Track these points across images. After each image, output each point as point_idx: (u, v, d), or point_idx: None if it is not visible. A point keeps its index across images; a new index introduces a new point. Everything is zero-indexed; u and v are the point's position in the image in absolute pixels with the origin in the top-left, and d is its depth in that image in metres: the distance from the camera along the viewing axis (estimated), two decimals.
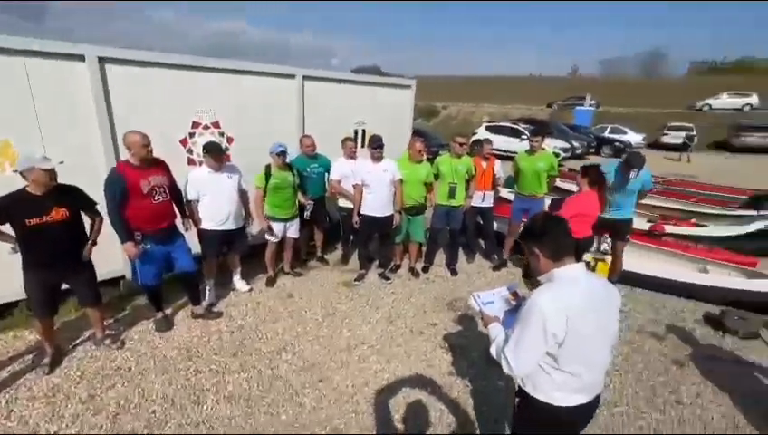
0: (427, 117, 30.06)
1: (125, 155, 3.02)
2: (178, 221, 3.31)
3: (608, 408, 2.63)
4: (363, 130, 5.58)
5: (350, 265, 4.79)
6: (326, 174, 4.60)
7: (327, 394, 2.69)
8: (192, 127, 3.96)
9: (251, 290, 4.04)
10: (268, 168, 3.85)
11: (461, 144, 4.30)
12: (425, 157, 4.30)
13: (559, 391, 1.42)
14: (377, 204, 4.03)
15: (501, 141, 14.67)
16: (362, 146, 5.28)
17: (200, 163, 3.75)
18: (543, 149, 4.79)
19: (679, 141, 18.59)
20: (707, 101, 26.94)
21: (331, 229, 5.12)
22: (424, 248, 4.77)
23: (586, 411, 1.50)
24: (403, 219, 4.28)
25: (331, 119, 5.10)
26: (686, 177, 10.86)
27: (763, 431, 2.47)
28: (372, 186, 3.98)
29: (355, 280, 4.35)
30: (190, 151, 3.97)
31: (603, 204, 3.76)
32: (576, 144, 16.13)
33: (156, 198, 2.95)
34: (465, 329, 3.48)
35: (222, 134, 4.15)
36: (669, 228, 5.46)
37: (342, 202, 4.60)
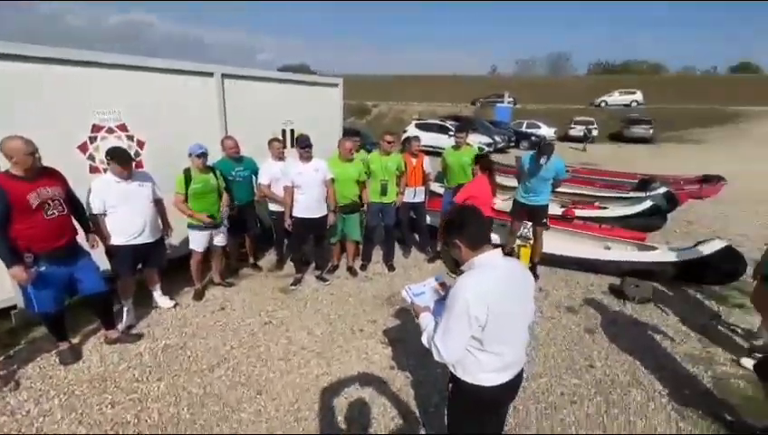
0: (359, 115, 30.18)
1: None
2: (82, 238, 2.93)
3: (534, 380, 2.87)
4: (291, 130, 5.42)
5: (285, 269, 4.64)
6: (253, 177, 4.39)
7: (266, 406, 2.58)
8: (92, 130, 3.52)
9: (176, 306, 3.72)
10: (188, 171, 3.57)
11: (389, 142, 4.39)
12: (354, 156, 4.31)
13: (485, 372, 1.52)
14: (309, 205, 3.95)
15: (430, 138, 15.26)
16: (291, 146, 5.14)
17: (105, 171, 3.36)
18: (468, 144, 5.08)
19: (581, 134, 21.01)
20: (603, 98, 30.66)
21: (263, 234, 4.91)
22: (361, 247, 4.79)
23: (511, 388, 1.61)
24: (338, 219, 4.25)
25: (256, 119, 4.87)
26: (589, 165, 12.22)
27: (653, 375, 2.87)
28: (303, 187, 3.89)
29: (291, 285, 4.22)
30: (92, 158, 3.52)
31: (495, 189, 4.23)
32: (498, 139, 17.34)
33: (49, 213, 2.57)
34: (403, 323, 3.56)
35: (131, 138, 3.75)
36: (578, 212, 6.10)
37: (273, 206, 4.43)
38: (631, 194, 7.16)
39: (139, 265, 3.42)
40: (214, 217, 3.70)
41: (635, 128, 21.90)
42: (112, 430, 2.35)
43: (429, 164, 4.98)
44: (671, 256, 4.40)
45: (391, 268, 4.75)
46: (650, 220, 5.94)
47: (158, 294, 3.70)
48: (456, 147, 4.87)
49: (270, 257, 4.94)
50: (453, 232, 1.55)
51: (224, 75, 4.42)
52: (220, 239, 3.90)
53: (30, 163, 2.45)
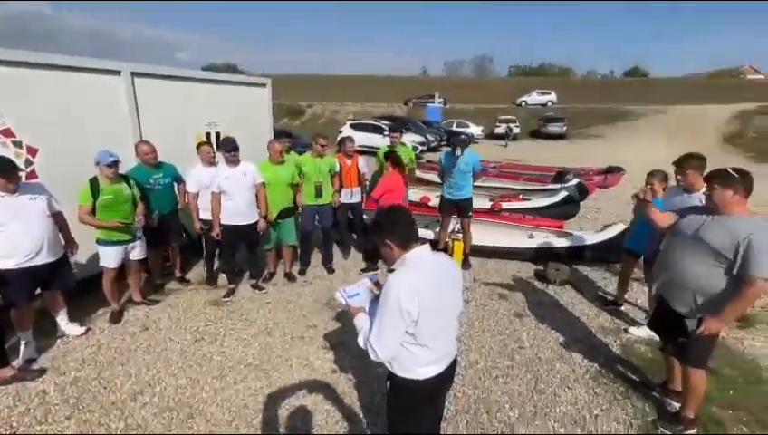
0: (292, 117, 29.39)
1: None
2: None
3: (471, 366, 3.02)
4: (217, 133, 5.11)
5: (217, 281, 4.36)
6: (174, 184, 4.07)
7: (201, 429, 2.40)
8: None
9: (88, 331, 3.32)
10: (95, 181, 3.19)
11: (322, 145, 4.33)
12: (285, 157, 4.18)
13: (420, 366, 1.55)
14: (238, 211, 3.75)
15: (365, 138, 15.37)
16: (217, 149, 4.85)
17: None
18: (403, 143, 5.19)
19: (503, 131, 22.68)
20: (524, 98, 33.24)
21: (191, 245, 4.57)
22: (298, 251, 4.66)
23: (446, 378, 1.67)
24: (272, 224, 4.09)
25: (176, 122, 4.52)
26: (514, 161, 13.17)
27: (572, 350, 3.18)
28: (231, 192, 3.69)
29: (224, 297, 3.98)
30: None
31: (406, 182, 4.53)
32: (431, 138, 17.97)
33: None
34: (344, 325, 3.53)
35: (18, 144, 3.26)
36: (505, 205, 6.54)
37: (204, 214, 4.11)
38: (549, 186, 7.85)
39: (38, 290, 2.99)
40: (128, 226, 3.34)
41: (551, 125, 24.06)
42: None
43: (365, 164, 5.01)
44: (584, 241, 4.90)
45: (331, 271, 4.70)
46: (566, 209, 6.56)
47: (64, 321, 3.26)
48: (392, 146, 4.96)
49: (199, 270, 4.61)
50: (383, 233, 1.57)
51: (134, 74, 4.03)
52: (137, 253, 3.55)
53: None
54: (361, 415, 2.52)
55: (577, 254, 4.86)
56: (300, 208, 4.44)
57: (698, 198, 2.86)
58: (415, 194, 6.61)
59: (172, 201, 4.06)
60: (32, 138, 3.33)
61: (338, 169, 4.59)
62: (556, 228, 5.44)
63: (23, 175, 3.01)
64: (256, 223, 3.92)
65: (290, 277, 4.45)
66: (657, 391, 2.72)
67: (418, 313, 1.44)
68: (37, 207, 2.79)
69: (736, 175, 2.04)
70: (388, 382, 1.67)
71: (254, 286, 4.18)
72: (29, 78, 3.29)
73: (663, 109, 29.04)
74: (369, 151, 10.34)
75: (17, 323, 2.91)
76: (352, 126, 17.28)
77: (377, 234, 1.60)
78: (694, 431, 2.38)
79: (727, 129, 23.47)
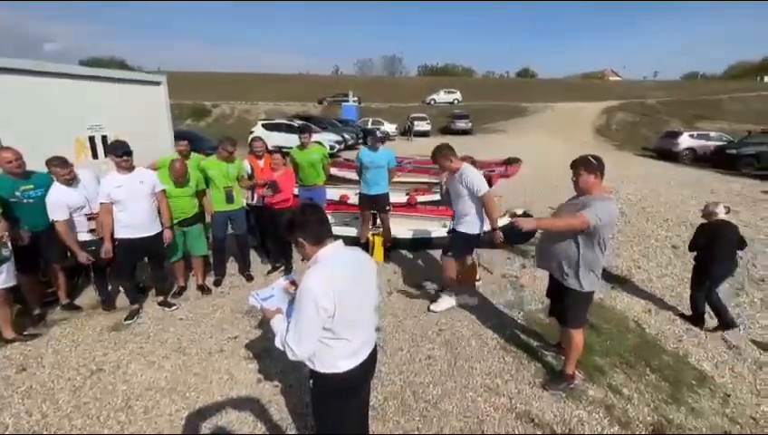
0: (196, 117, 27.08)
1: None
2: None
3: (396, 353, 3.15)
4: (103, 136, 4.53)
5: (117, 303, 3.87)
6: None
7: None
8: None
9: None
10: None
11: (230, 152, 4.11)
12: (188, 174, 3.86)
13: (339, 359, 1.59)
14: (136, 222, 3.37)
15: (280, 138, 14.87)
16: (105, 155, 4.31)
17: None
18: (319, 143, 5.14)
19: (418, 128, 23.86)
20: (433, 97, 35.13)
21: (77, 265, 3.98)
22: (211, 260, 4.36)
23: (367, 367, 1.71)
24: (176, 235, 3.75)
25: (50, 124, 3.90)
26: (426, 156, 13.86)
27: (484, 325, 3.51)
28: (126, 201, 3.29)
29: (126, 320, 3.55)
30: None
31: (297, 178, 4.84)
32: (347, 136, 18.00)
33: None
34: (267, 332, 3.40)
35: None
36: (419, 198, 6.88)
37: (80, 236, 3.54)
38: None
39: None
40: None
41: (458, 122, 25.83)
42: None
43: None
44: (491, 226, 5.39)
45: (249, 278, 4.48)
46: None
47: None
48: (302, 146, 4.88)
49: (92, 293, 4.04)
50: (296, 231, 1.57)
51: None
52: (3, 280, 2.98)
53: None
54: (290, 420, 2.48)
55: (485, 238, 5.32)
56: (209, 216, 4.16)
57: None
58: (334, 193, 6.61)
59: (46, 217, 3.49)
60: None
61: (249, 171, 4.39)
62: None
63: None
64: (159, 234, 3.56)
65: (203, 289, 4.14)
66: (553, 351, 3.14)
67: (334, 307, 1.47)
68: None
69: (596, 162, 2.45)
70: (311, 381, 1.67)
71: (163, 304, 3.81)
72: None
73: (550, 105, 33.03)
74: (285, 152, 10.03)
75: None
76: (265, 126, 16.55)
77: (290, 232, 1.58)
78: (573, 384, 2.79)
79: (598, 122, 27.68)
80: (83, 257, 3.41)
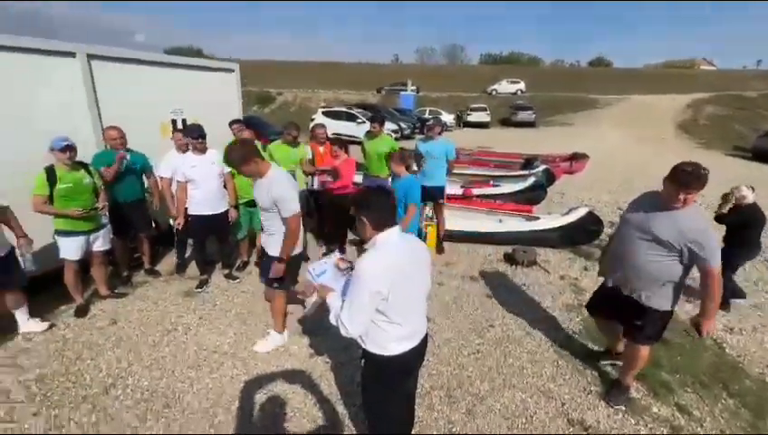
0: (262, 104, 28.55)
1: None
2: None
3: (445, 344, 3.14)
4: (183, 120, 4.94)
5: (188, 272, 4.27)
6: (143, 173, 3.92)
7: (177, 418, 2.39)
8: None
9: (51, 327, 3.18)
10: (51, 170, 3.03)
11: (294, 136, 4.29)
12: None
13: (392, 342, 1.64)
14: (207, 200, 3.66)
15: (338, 126, 15.21)
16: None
17: None
18: (389, 134, 5.16)
19: (478, 120, 23.22)
20: (494, 87, 33.73)
21: (160, 236, 4.44)
22: None
23: (416, 353, 1.74)
24: (243, 213, 4.03)
25: (139, 108, 4.33)
26: (484, 148, 13.43)
27: (539, 327, 3.37)
28: (198, 181, 3.59)
29: (196, 288, 3.91)
30: None
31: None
32: (404, 126, 17.97)
33: None
34: (321, 310, 3.56)
35: None
36: (476, 191, 6.71)
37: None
38: (518, 172, 8.09)
39: None
40: (90, 214, 3.20)
41: (520, 114, 24.63)
42: None
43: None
44: (551, 224, 5.13)
45: (305, 259, 4.68)
46: (534, 194, 6.81)
47: (23, 319, 3.11)
48: (371, 136, 4.91)
49: (170, 261, 4.49)
50: (362, 210, 1.63)
51: (90, 56, 3.82)
52: (101, 244, 3.41)
53: None
54: (339, 396, 2.58)
55: (544, 236, 5.08)
56: None
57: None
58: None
59: (139, 190, 3.92)
60: None
61: (310, 156, 4.56)
62: (525, 212, 5.66)
63: None
64: (226, 212, 3.85)
65: None
66: (610, 361, 2.93)
67: (388, 292, 1.52)
68: None
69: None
70: (363, 360, 1.74)
71: (228, 276, 4.13)
72: None
73: (626, 98, 30.25)
74: (347, 140, 10.28)
75: None
76: (325, 113, 17.02)
77: (356, 209, 1.64)
78: (631, 395, 2.61)
79: (681, 117, 24.85)
80: (173, 211, 3.83)
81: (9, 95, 3.30)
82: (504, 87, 33.52)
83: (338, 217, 4.69)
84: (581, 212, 4.98)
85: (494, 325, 3.45)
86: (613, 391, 2.63)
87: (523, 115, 24.51)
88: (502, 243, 5.15)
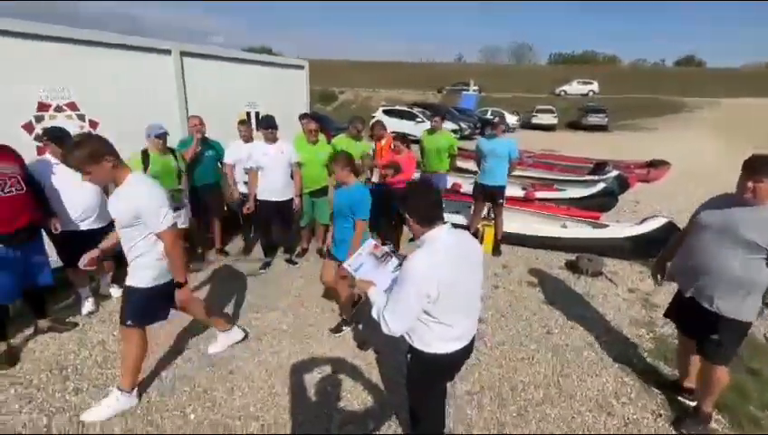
0: (324, 102, 29.65)
1: None
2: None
3: (497, 347, 3.05)
4: (256, 113, 5.31)
5: (253, 254, 4.59)
6: (218, 160, 4.28)
7: (239, 384, 2.59)
8: (38, 109, 3.29)
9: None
10: (145, 152, 3.42)
11: (359, 130, 4.43)
12: (319, 138, 4.27)
13: (439, 341, 1.62)
14: (274, 187, 3.90)
15: (398, 125, 15.34)
16: (256, 129, 5.04)
17: (47, 150, 3.13)
18: (451, 131, 5.13)
19: (543, 122, 22.15)
20: (563, 88, 31.88)
21: (231, 218, 4.82)
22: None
23: (463, 354, 1.71)
24: (306, 202, 4.24)
25: (219, 100, 4.73)
26: (549, 151, 12.76)
27: (601, 339, 3.14)
28: (267, 168, 3.83)
29: (260, 269, 4.19)
30: (38, 138, 3.30)
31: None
32: (464, 126, 17.66)
33: (6, 190, 2.42)
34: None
35: (82, 117, 3.54)
36: (538, 194, 6.41)
37: (243, 188, 4.33)
38: (587, 177, 7.59)
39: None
40: (174, 195, 3.54)
41: (591, 116, 22.99)
42: (75, 415, 2.28)
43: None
44: (621, 233, 4.75)
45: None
46: (603, 201, 6.34)
47: (106, 284, 3.54)
48: (432, 130, 4.91)
49: (238, 242, 4.86)
50: (405, 206, 1.62)
51: (182, 53, 4.25)
52: (180, 222, 3.77)
53: None
54: (383, 387, 2.62)
55: (612, 246, 4.72)
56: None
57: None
58: (447, 181, 6.58)
59: (214, 175, 4.28)
60: (93, 111, 3.60)
61: (371, 152, 4.67)
62: (592, 219, 5.30)
63: None
64: (291, 200, 4.07)
65: (322, 254, 4.59)
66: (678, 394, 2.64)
67: (438, 293, 1.48)
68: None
69: None
70: (409, 355, 1.74)
71: (288, 261, 4.38)
72: (91, 55, 3.54)
73: (719, 101, 27.01)
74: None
75: (76, 280, 3.22)
76: (385, 112, 17.29)
77: (401, 206, 1.63)
78: (710, 427, 2.33)
79: None
80: (235, 195, 4.17)
81: (119, 88, 3.77)
82: (575, 88, 31.55)
83: (393, 212, 4.75)
84: (660, 222, 4.55)
85: (551, 333, 3.29)
86: (688, 419, 2.38)
87: (595, 118, 22.85)
88: (564, 249, 4.88)
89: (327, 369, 2.77)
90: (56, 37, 3.29)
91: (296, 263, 4.37)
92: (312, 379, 2.67)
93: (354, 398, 2.52)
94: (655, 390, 2.65)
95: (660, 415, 2.45)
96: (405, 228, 5.08)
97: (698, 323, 2.23)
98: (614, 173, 7.16)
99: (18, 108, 3.18)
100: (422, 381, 1.78)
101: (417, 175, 5.01)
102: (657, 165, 9.18)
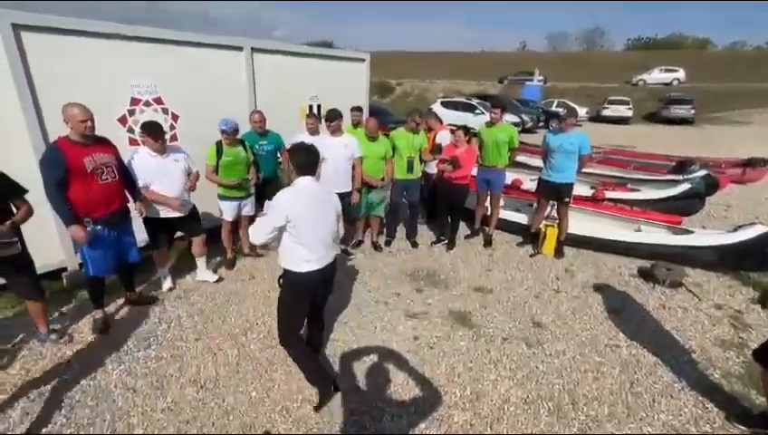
0: (381, 94, 29.74)
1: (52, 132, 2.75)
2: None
3: (558, 356, 2.89)
4: (318, 106, 5.45)
5: None
6: (277, 152, 4.46)
7: (296, 367, 2.71)
8: (131, 104, 3.66)
9: (219, 281, 3.82)
10: (219, 144, 3.67)
11: (417, 123, 4.38)
12: (378, 134, 4.27)
13: (301, 261, 2.21)
14: (334, 179, 3.98)
15: (456, 117, 14.95)
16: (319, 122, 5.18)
17: (143, 143, 3.47)
18: (511, 124, 4.90)
19: (615, 114, 20.34)
20: (642, 77, 28.96)
21: None
22: (385, 223, 4.84)
23: (320, 275, 2.30)
24: (363, 195, 4.29)
25: (284, 94, 4.92)
26: (622, 147, 11.71)
27: (679, 358, 2.83)
28: (329, 160, 3.92)
29: None
30: (131, 131, 3.68)
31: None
32: (526, 118, 16.80)
33: (103, 178, 2.73)
34: (426, 297, 3.62)
35: (166, 111, 3.88)
36: (609, 194, 5.91)
37: None
38: (667, 177, 6.85)
39: (178, 234, 3.58)
40: (243, 184, 3.79)
41: (674, 108, 20.67)
42: (157, 381, 2.54)
43: (447, 137, 4.78)
44: (708, 241, 4.24)
45: (414, 245, 4.79)
46: (686, 204, 5.69)
47: (201, 269, 3.79)
48: (491, 123, 4.69)
49: None
50: (291, 158, 2.26)
51: (253, 49, 4.47)
52: (248, 209, 4.01)
53: (81, 130, 2.57)
54: (436, 384, 2.60)
55: (696, 254, 4.23)
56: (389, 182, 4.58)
57: None
58: (507, 176, 6.30)
59: (274, 166, 4.46)
60: (174, 105, 3.93)
61: (426, 145, 4.61)
62: (672, 223, 4.79)
63: (167, 138, 3.56)
64: (349, 193, 4.13)
65: (376, 246, 4.66)
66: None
67: (295, 218, 2.12)
68: (179, 167, 3.26)
69: None
70: (281, 279, 2.31)
71: (344, 251, 4.48)
72: (173, 53, 3.85)
73: None
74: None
75: (159, 261, 3.55)
76: (443, 104, 16.97)
77: (289, 155, 2.31)
78: None
79: None
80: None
81: (197, 83, 4.07)
82: (655, 76, 28.45)
83: (451, 206, 4.66)
84: (758, 231, 3.98)
85: (619, 345, 3.04)
86: None
87: (679, 110, 20.48)
88: (637, 255, 4.46)
89: (378, 358, 2.81)
90: (145, 38, 3.62)
91: (351, 254, 4.46)
92: (364, 366, 2.72)
93: (404, 388, 2.53)
94: (740, 425, 2.35)
95: None
96: (461, 225, 4.98)
97: None
98: (701, 172, 6.39)
99: (113, 103, 3.55)
100: (286, 292, 2.32)
101: (474, 171, 4.83)
102: (755, 164, 8.04)
